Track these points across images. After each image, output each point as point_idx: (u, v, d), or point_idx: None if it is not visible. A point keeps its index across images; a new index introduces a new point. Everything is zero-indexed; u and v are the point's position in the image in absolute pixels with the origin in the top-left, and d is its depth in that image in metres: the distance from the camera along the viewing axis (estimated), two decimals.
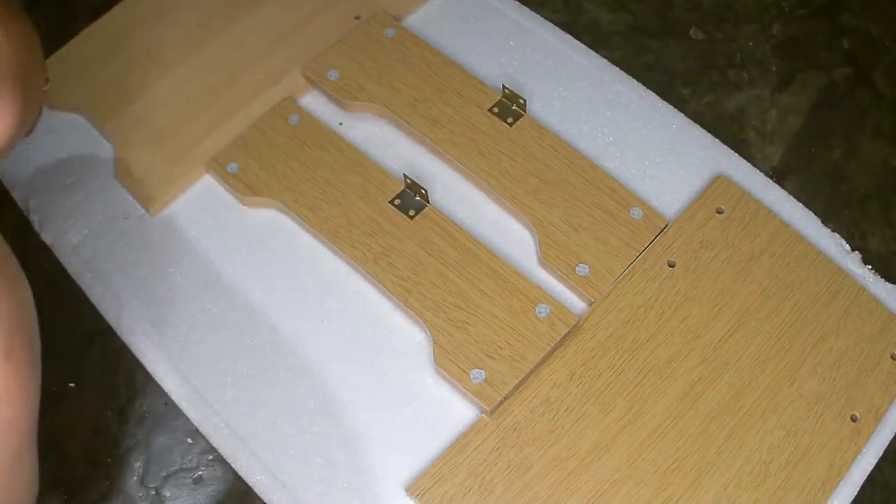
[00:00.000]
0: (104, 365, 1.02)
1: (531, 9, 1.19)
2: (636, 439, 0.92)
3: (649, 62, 1.18)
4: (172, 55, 1.14)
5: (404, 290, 0.97)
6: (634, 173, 1.07)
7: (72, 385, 1.01)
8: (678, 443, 0.91)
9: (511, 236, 1.04)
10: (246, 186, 1.05)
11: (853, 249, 1.03)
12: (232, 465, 0.94)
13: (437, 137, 1.07)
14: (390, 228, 1.01)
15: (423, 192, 1.01)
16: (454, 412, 0.95)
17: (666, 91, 1.14)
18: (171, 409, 0.98)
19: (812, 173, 1.11)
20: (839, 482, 0.91)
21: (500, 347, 0.94)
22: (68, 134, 1.11)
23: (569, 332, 0.95)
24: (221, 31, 1.16)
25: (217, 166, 1.06)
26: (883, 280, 1.02)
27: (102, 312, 1.01)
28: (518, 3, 1.20)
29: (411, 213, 1.02)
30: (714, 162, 1.08)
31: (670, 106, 1.12)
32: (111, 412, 0.99)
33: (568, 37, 1.17)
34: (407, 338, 0.98)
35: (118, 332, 1.00)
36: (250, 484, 0.92)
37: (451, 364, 0.94)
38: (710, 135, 1.10)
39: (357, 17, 1.16)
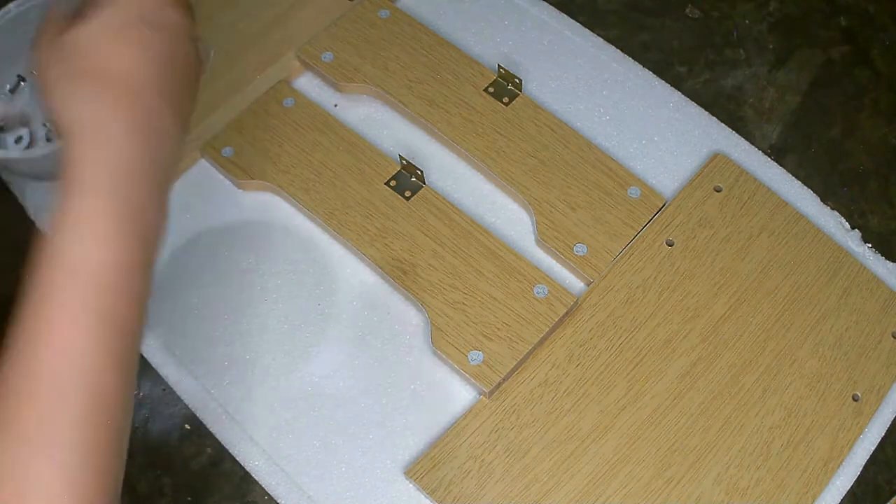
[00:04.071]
0: None
1: None
2: (636, 420, 0.91)
3: (645, 41, 1.18)
4: None
5: (401, 271, 0.97)
6: (632, 152, 1.07)
7: None
8: (679, 423, 0.91)
9: (508, 216, 1.03)
10: (241, 170, 1.04)
11: (853, 228, 1.03)
12: (230, 450, 0.93)
13: (432, 118, 1.06)
14: (386, 210, 1.00)
15: (419, 173, 1.01)
16: (452, 394, 0.94)
17: (662, 70, 1.14)
18: (169, 395, 0.97)
19: (810, 151, 1.10)
20: (842, 462, 0.90)
21: (498, 328, 0.94)
22: None
23: (567, 313, 0.95)
24: (214, 16, 1.15)
25: (212, 150, 1.06)
26: (883, 258, 1.01)
27: None
28: None
29: (407, 194, 1.01)
30: (712, 140, 1.08)
31: (667, 84, 1.12)
32: None
33: (563, 16, 1.17)
34: (404, 320, 0.98)
35: None
36: (248, 469, 0.92)
37: (448, 346, 0.93)
38: (707, 113, 1.10)
39: None
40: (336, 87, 1.11)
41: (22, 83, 1.04)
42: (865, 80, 1.15)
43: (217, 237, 1.03)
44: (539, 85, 1.11)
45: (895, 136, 1.11)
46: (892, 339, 0.96)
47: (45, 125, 1.04)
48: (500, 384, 0.92)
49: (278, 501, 0.91)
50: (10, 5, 0.93)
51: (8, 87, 1.03)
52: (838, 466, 0.90)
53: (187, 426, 0.96)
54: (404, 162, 1.02)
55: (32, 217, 1.05)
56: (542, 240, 1.00)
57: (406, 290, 0.96)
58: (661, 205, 1.01)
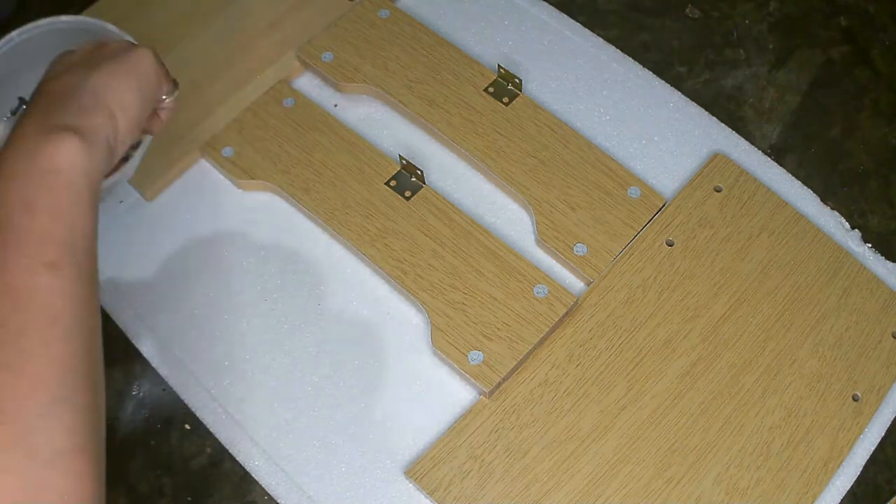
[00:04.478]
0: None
1: None
2: (636, 420, 0.91)
3: (645, 41, 1.18)
4: (165, 41, 1.13)
5: (401, 271, 0.97)
6: (632, 152, 1.07)
7: None
8: (679, 423, 0.91)
9: (508, 216, 1.03)
10: (241, 170, 1.04)
11: (853, 228, 1.03)
12: (230, 450, 0.93)
13: (432, 118, 1.06)
14: (386, 210, 1.00)
15: (419, 173, 1.01)
16: (452, 394, 0.94)
17: (662, 70, 1.14)
18: (169, 395, 0.97)
19: (810, 151, 1.10)
20: (842, 462, 0.90)
21: (498, 328, 0.94)
22: None
23: (567, 313, 0.95)
24: (214, 16, 1.15)
25: (212, 150, 1.06)
26: (883, 258, 1.01)
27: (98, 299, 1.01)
28: None
29: (407, 194, 1.01)
30: (712, 140, 1.08)
31: (667, 84, 1.12)
32: (109, 400, 0.98)
33: (563, 16, 1.17)
34: (404, 320, 0.98)
35: (114, 319, 0.99)
36: (248, 469, 0.92)
37: (448, 346, 0.93)
38: (707, 113, 1.10)
39: None
40: (336, 87, 1.11)
41: (24, 106, 1.04)
42: (865, 80, 1.15)
43: (217, 237, 1.03)
44: (539, 85, 1.11)
45: (895, 136, 1.11)
46: (892, 339, 0.96)
47: None
48: (500, 384, 0.92)
49: (278, 501, 0.91)
50: (13, 33, 0.94)
51: (10, 110, 1.03)
52: (838, 466, 0.90)
53: (187, 426, 0.96)
54: (404, 162, 1.02)
55: None
56: (542, 240, 1.00)
57: (406, 290, 0.96)
58: (661, 205, 1.01)
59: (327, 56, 1.11)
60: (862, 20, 1.20)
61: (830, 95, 1.14)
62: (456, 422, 0.91)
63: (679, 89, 1.11)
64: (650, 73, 1.13)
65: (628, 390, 0.92)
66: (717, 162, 1.04)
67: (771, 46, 1.17)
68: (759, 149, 1.07)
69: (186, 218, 1.04)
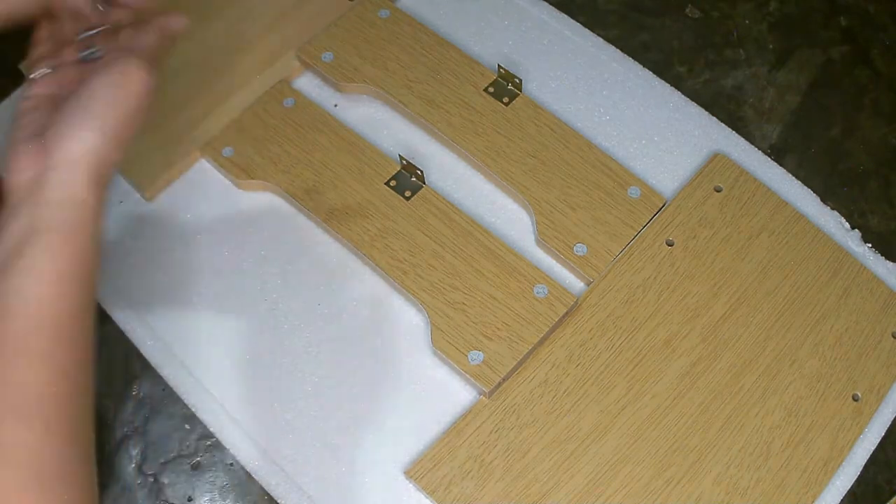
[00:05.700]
0: (101, 352, 1.00)
1: None
2: (636, 420, 0.91)
3: (645, 41, 1.18)
4: None
5: (401, 271, 0.97)
6: (632, 152, 1.07)
7: None
8: (679, 423, 0.91)
9: (508, 216, 1.03)
10: (241, 170, 1.04)
11: (853, 228, 1.03)
12: (230, 450, 0.93)
13: (432, 118, 1.06)
14: (386, 210, 1.00)
15: (419, 173, 1.01)
16: (452, 394, 0.94)
17: (662, 70, 1.14)
18: (169, 395, 0.97)
19: (810, 151, 1.10)
20: (842, 462, 0.90)
21: (498, 328, 0.94)
22: None
23: (567, 313, 0.95)
24: (215, 16, 1.15)
25: (212, 150, 1.06)
26: (883, 258, 1.01)
27: (98, 299, 1.00)
28: None
29: (407, 194, 1.01)
30: (712, 140, 1.08)
31: (667, 84, 1.12)
32: (108, 399, 0.98)
33: (563, 16, 1.17)
34: (404, 320, 0.98)
35: (114, 319, 0.99)
36: (248, 469, 0.92)
37: (448, 346, 0.93)
38: (707, 113, 1.09)
39: None
40: (336, 87, 1.11)
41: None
42: (865, 80, 1.15)
43: (217, 237, 1.03)
44: (539, 85, 1.11)
45: (895, 136, 1.11)
46: (892, 339, 0.96)
47: None
48: (500, 384, 0.92)
49: (278, 501, 0.91)
50: None
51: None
52: (838, 466, 0.90)
53: (187, 426, 0.96)
54: (404, 162, 1.02)
55: None
56: (542, 240, 1.00)
57: (406, 290, 0.96)
58: (661, 205, 1.01)
59: (327, 56, 1.11)
60: (862, 20, 1.20)
61: (830, 95, 1.14)
62: (456, 422, 0.91)
63: (679, 89, 1.11)
64: (650, 73, 1.13)
65: (628, 390, 0.92)
66: (717, 162, 1.04)
67: (771, 46, 1.17)
68: (759, 149, 1.07)
69: (186, 218, 1.04)
